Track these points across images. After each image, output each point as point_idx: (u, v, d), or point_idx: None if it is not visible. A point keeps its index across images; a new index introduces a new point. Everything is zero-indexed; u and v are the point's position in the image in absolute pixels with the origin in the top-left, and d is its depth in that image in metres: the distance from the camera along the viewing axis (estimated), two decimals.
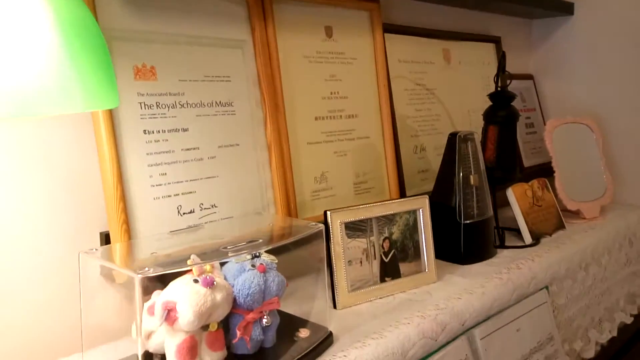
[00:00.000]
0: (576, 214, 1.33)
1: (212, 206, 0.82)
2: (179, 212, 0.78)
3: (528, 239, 1.16)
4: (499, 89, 1.16)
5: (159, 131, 0.77)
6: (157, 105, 0.77)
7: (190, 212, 0.79)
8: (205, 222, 0.79)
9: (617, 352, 1.23)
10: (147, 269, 0.54)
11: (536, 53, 1.65)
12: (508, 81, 1.16)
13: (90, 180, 0.74)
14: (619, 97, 1.47)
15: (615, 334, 1.23)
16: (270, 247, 0.66)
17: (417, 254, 0.94)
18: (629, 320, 1.29)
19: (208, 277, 0.61)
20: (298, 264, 0.83)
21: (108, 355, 0.67)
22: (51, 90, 0.42)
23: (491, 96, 1.16)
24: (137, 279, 0.53)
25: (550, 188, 1.28)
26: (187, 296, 0.59)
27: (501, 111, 1.15)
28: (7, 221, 0.69)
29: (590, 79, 1.52)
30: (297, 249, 0.77)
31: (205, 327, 0.63)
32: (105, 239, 0.74)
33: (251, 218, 0.84)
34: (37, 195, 0.71)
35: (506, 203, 1.20)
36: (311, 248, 0.83)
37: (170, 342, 0.60)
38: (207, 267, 0.63)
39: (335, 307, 0.84)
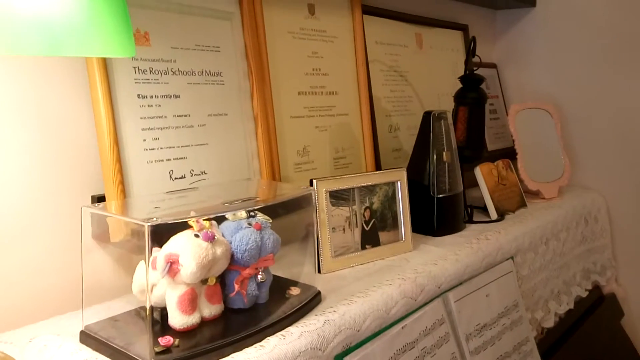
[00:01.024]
0: (536, 194, 1.42)
1: (202, 172, 0.84)
2: (170, 176, 0.80)
3: (494, 214, 1.22)
4: (468, 72, 1.22)
5: (152, 96, 0.78)
6: (150, 71, 0.78)
7: (182, 178, 0.81)
8: (199, 186, 0.81)
9: (574, 324, 1.32)
10: (155, 218, 0.56)
11: (500, 43, 1.73)
12: (476, 67, 1.23)
13: (85, 143, 0.75)
14: (577, 85, 1.56)
15: (572, 306, 1.32)
16: (266, 205, 0.69)
17: (395, 224, 0.98)
18: (584, 294, 1.38)
19: (209, 232, 0.64)
20: (285, 232, 0.85)
21: (105, 313, 0.68)
22: (75, 30, 0.43)
23: (462, 79, 1.22)
24: (147, 226, 0.55)
25: (513, 169, 1.36)
26: (190, 249, 0.61)
27: (471, 93, 1.21)
28: (2, 178, 0.69)
29: (550, 67, 1.61)
30: (285, 216, 0.80)
31: (204, 281, 0.65)
32: (98, 201, 0.75)
33: (242, 183, 0.87)
34: (33, 155, 0.71)
35: (473, 184, 1.27)
36: (297, 216, 0.87)
37: (172, 294, 0.63)
38: (207, 223, 0.65)
39: (319, 271, 0.88)
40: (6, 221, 0.70)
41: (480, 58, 1.24)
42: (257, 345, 0.62)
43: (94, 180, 0.75)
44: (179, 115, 0.81)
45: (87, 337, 0.63)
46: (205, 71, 0.86)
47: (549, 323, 1.22)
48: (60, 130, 0.73)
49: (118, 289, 0.75)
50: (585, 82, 1.54)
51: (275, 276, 0.76)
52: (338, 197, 0.91)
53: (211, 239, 0.63)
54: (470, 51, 1.23)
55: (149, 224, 0.55)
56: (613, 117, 1.51)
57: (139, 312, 0.69)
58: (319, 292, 0.76)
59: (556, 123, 1.49)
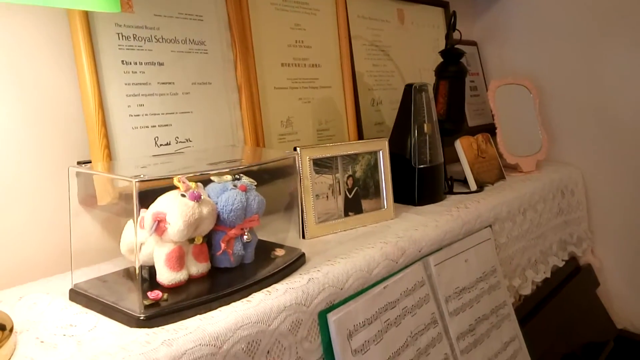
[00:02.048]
0: (515, 168, 1.45)
1: (187, 140, 0.85)
2: (156, 143, 0.81)
3: (473, 186, 1.25)
4: (449, 46, 1.24)
5: (136, 63, 0.79)
6: (134, 38, 0.79)
7: (167, 144, 0.82)
8: (184, 151, 0.82)
9: (550, 292, 1.36)
10: (142, 175, 0.58)
11: (480, 20, 1.76)
12: (457, 42, 1.25)
13: (70, 110, 0.75)
14: (556, 62, 1.59)
15: (548, 275, 1.36)
16: (251, 166, 0.70)
17: (377, 192, 1.01)
18: (560, 264, 1.43)
19: (195, 192, 0.65)
20: (269, 201, 0.87)
21: (93, 274, 0.69)
22: None
23: (442, 53, 1.25)
24: (135, 183, 0.56)
25: (492, 143, 1.39)
26: (177, 208, 0.63)
27: (452, 66, 1.23)
28: None
29: (530, 45, 1.64)
30: (269, 183, 0.82)
31: (191, 241, 0.67)
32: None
33: (227, 148, 0.88)
34: (18, 121, 0.71)
35: (453, 160, 1.29)
36: (281, 184, 0.89)
37: (160, 252, 0.64)
38: (192, 184, 0.67)
39: (303, 237, 0.90)
40: None
41: (460, 33, 1.27)
42: (243, 300, 0.64)
43: (80, 146, 0.76)
44: (163, 83, 0.82)
45: (77, 295, 0.65)
46: (189, 39, 0.86)
47: (526, 290, 1.26)
48: (45, 96, 0.74)
49: (105, 252, 0.76)
50: (563, 59, 1.58)
51: (260, 240, 0.78)
52: (322, 165, 0.93)
53: (197, 198, 0.65)
54: (450, 25, 1.25)
55: (137, 180, 0.56)
56: (591, 94, 1.55)
57: (127, 271, 0.70)
58: (303, 254, 0.78)
59: (534, 98, 1.53)
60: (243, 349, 0.60)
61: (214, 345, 0.57)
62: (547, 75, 1.61)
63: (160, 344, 0.54)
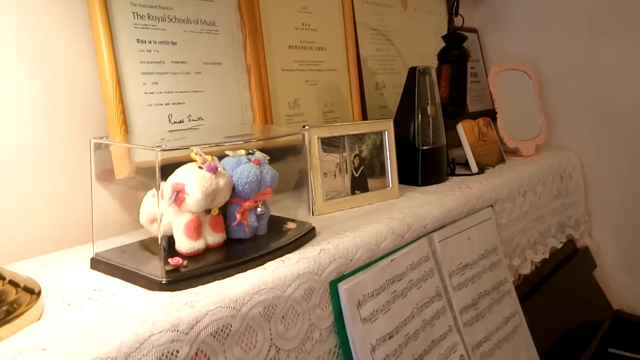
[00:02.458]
0: (514, 152, 1.48)
1: (199, 118, 0.87)
2: (170, 120, 0.83)
3: (474, 168, 1.28)
4: (452, 30, 1.27)
5: (150, 41, 0.81)
6: (148, 17, 0.81)
7: (180, 122, 0.84)
8: (197, 128, 0.85)
9: (549, 273, 1.40)
10: (164, 145, 0.60)
11: (481, 8, 1.78)
12: (459, 28, 1.27)
13: (88, 87, 0.77)
14: (556, 48, 1.61)
15: (547, 256, 1.39)
16: (265, 138, 0.73)
17: (382, 172, 1.03)
18: (559, 245, 1.46)
19: (212, 164, 0.67)
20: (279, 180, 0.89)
21: (113, 246, 0.72)
22: None
23: (445, 37, 1.27)
24: (157, 152, 0.59)
25: (493, 127, 1.42)
26: (195, 179, 0.65)
27: (454, 51, 1.25)
28: (10, 116, 0.71)
29: (530, 32, 1.66)
30: (279, 162, 0.84)
31: (207, 212, 0.69)
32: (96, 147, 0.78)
33: (239, 125, 0.91)
34: (38, 98, 0.74)
35: (455, 145, 1.31)
36: (291, 164, 0.91)
37: (178, 221, 0.67)
38: (209, 157, 0.69)
39: (312, 214, 0.92)
40: (12, 162, 0.72)
41: (463, 18, 1.29)
42: (259, 268, 0.67)
43: (98, 123, 0.78)
44: (176, 62, 0.84)
45: (98, 263, 0.67)
46: (201, 20, 0.88)
47: (526, 270, 1.29)
48: (63, 74, 0.76)
49: (123, 226, 0.79)
50: (563, 45, 1.60)
51: (271, 215, 0.80)
52: (329, 144, 0.95)
53: (214, 170, 0.67)
54: (453, 10, 1.27)
55: (160, 149, 0.59)
56: (589, 80, 1.57)
57: (145, 242, 0.73)
58: (314, 228, 0.81)
59: (534, 84, 1.55)
60: (260, 312, 0.63)
61: (233, 308, 0.60)
62: (547, 62, 1.63)
63: (183, 305, 0.57)
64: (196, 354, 0.56)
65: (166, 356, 0.53)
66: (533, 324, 1.14)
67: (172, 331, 0.54)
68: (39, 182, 0.75)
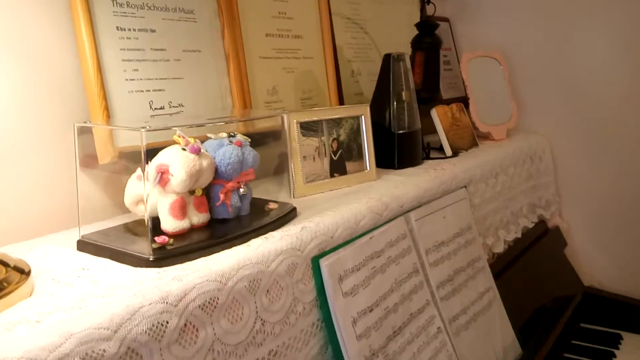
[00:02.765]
0: (487, 136, 1.53)
1: (180, 105, 0.89)
2: (151, 106, 0.84)
3: (449, 151, 1.32)
4: (424, 18, 1.30)
5: (130, 29, 0.82)
6: (127, 4, 0.82)
7: (161, 108, 0.86)
8: (180, 113, 0.86)
9: (521, 252, 1.45)
10: (148, 126, 0.62)
11: None
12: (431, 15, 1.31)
13: (69, 74, 0.78)
14: (524, 36, 1.66)
15: (519, 235, 1.44)
16: (247, 119, 0.75)
17: (360, 155, 1.07)
18: (530, 225, 1.51)
19: (195, 146, 0.69)
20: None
21: (97, 230, 0.73)
22: None
23: (418, 25, 1.31)
24: (142, 132, 0.61)
25: (465, 112, 1.46)
26: (179, 160, 0.67)
27: (427, 38, 1.29)
28: None
29: (500, 20, 1.71)
30: (259, 148, 0.86)
31: (191, 193, 0.71)
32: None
33: (219, 111, 0.93)
34: (18, 85, 0.74)
35: (430, 131, 1.35)
36: (271, 149, 0.94)
37: (163, 202, 0.69)
38: (192, 139, 0.71)
39: (293, 196, 0.95)
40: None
41: (435, 6, 1.32)
42: (243, 245, 0.69)
43: (80, 109, 0.79)
44: (156, 49, 0.86)
45: (85, 244, 0.69)
46: (179, 8, 0.90)
47: (499, 249, 1.34)
48: (44, 62, 0.77)
49: (107, 211, 0.80)
50: (532, 33, 1.65)
51: (253, 197, 0.83)
52: (308, 129, 0.98)
53: (197, 151, 0.69)
54: None
55: (144, 129, 0.61)
56: (558, 66, 1.62)
57: (129, 225, 0.75)
58: (295, 208, 0.84)
59: (504, 70, 1.60)
60: (246, 286, 0.65)
61: (220, 282, 0.62)
62: (516, 49, 1.68)
63: (171, 279, 0.59)
64: (185, 325, 0.58)
65: (156, 326, 0.55)
66: (507, 300, 1.19)
67: (162, 303, 0.56)
68: (21, 170, 0.76)
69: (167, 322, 0.56)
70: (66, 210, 0.79)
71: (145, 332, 0.54)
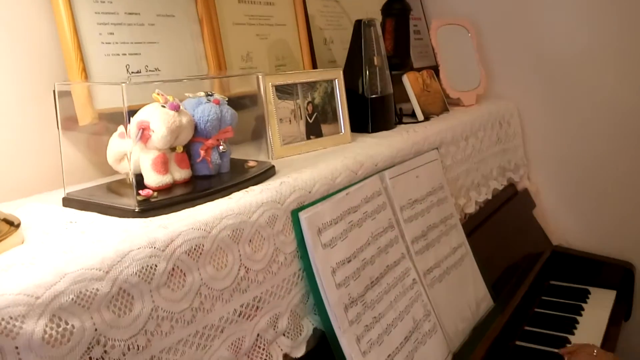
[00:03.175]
0: (457, 102, 1.57)
1: (156, 69, 0.90)
2: (127, 70, 0.86)
3: (420, 116, 1.36)
4: None
5: None
6: None
7: (138, 72, 0.87)
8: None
9: (492, 212, 1.51)
10: (128, 81, 0.64)
11: None
12: None
13: (46, 38, 0.79)
14: (491, 3, 1.70)
15: (490, 197, 1.50)
16: (224, 77, 0.78)
17: (334, 118, 1.10)
18: (500, 187, 1.57)
19: (174, 103, 0.72)
20: (236, 130, 0.93)
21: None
22: None
23: None
24: (123, 87, 0.62)
25: (436, 78, 1.50)
26: (159, 116, 0.69)
27: (396, 4, 1.33)
28: None
29: None
30: (237, 110, 0.88)
31: (172, 149, 0.74)
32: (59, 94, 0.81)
33: (195, 74, 0.94)
34: None
35: (402, 100, 1.38)
36: (247, 114, 0.96)
37: (146, 158, 0.71)
38: (170, 97, 0.73)
39: (271, 158, 0.98)
40: None
41: None
42: (225, 198, 0.72)
43: (58, 75, 0.80)
44: (130, 13, 0.87)
45: (70, 201, 0.70)
46: None
47: (470, 209, 1.39)
48: (21, 26, 0.77)
49: (87, 173, 0.82)
50: (499, 1, 1.69)
51: (233, 158, 0.85)
52: (283, 92, 1.00)
53: (177, 108, 0.71)
54: None
55: (125, 83, 0.62)
56: (523, 33, 1.67)
57: (111, 185, 0.77)
58: (274, 166, 0.87)
59: (472, 38, 1.64)
60: (229, 235, 0.68)
61: (204, 230, 0.65)
62: (484, 17, 1.72)
63: (157, 227, 0.62)
64: (173, 269, 0.61)
65: (146, 269, 0.58)
66: (479, 257, 1.24)
67: (149, 248, 0.58)
68: (2, 134, 0.77)
69: (156, 266, 0.59)
70: (47, 172, 0.80)
71: (136, 273, 0.56)
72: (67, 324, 0.50)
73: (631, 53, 1.52)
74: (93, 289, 0.52)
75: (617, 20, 1.52)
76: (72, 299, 0.51)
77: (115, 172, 0.78)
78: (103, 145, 0.76)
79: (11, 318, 0.46)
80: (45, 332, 0.48)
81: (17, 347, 0.47)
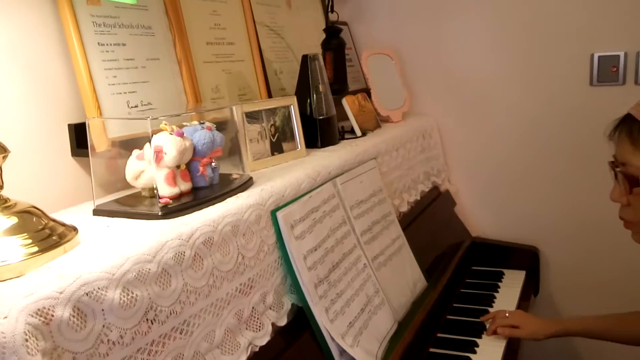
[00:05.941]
0: (387, 119, 1.85)
1: (149, 103, 1.10)
2: (128, 105, 1.05)
3: (358, 132, 1.62)
4: (330, 24, 1.59)
5: (107, 44, 1.02)
6: (103, 25, 1.02)
7: (136, 106, 1.06)
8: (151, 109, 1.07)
9: (421, 210, 1.79)
10: (150, 116, 0.84)
11: (348, 3, 2.13)
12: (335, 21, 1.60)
13: (64, 83, 0.97)
14: (411, 34, 2.01)
15: (418, 197, 1.78)
16: (209, 110, 0.99)
17: (292, 137, 1.33)
18: (426, 189, 1.86)
19: (179, 130, 0.92)
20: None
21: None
22: None
23: (325, 30, 1.59)
24: (149, 120, 0.82)
25: (369, 100, 1.77)
26: (170, 141, 0.90)
27: (334, 40, 1.59)
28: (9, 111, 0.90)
29: (390, 21, 2.04)
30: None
31: (177, 167, 0.94)
32: (74, 128, 0.99)
33: (178, 106, 1.15)
34: (22, 91, 0.92)
35: (341, 118, 1.64)
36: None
37: (159, 174, 0.90)
38: (174, 127, 0.93)
39: (245, 171, 1.19)
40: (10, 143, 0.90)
41: (337, 14, 1.61)
42: (222, 202, 0.93)
43: (73, 110, 0.99)
44: (127, 59, 1.06)
45: (100, 211, 0.89)
46: (140, 25, 1.10)
47: (404, 208, 1.66)
48: (43, 74, 0.95)
49: (103, 191, 1.00)
50: (417, 30, 1.98)
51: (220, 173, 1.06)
52: (252, 117, 1.22)
53: (181, 135, 0.92)
54: (328, 8, 1.60)
55: (150, 117, 0.83)
56: (438, 58, 1.98)
57: (129, 197, 0.95)
58: (252, 177, 1.08)
59: (396, 64, 1.94)
60: (230, 230, 0.89)
61: (213, 226, 0.86)
62: (405, 46, 2.02)
63: (180, 224, 0.82)
64: (194, 255, 0.81)
65: (178, 255, 0.78)
66: (413, 246, 1.51)
67: (179, 239, 0.79)
68: (27, 162, 0.94)
69: (184, 253, 0.79)
70: (66, 194, 0.97)
71: (172, 258, 0.77)
72: (132, 293, 0.69)
73: (530, 73, 1.86)
74: (147, 269, 0.72)
75: (519, 46, 1.85)
76: (135, 275, 0.70)
77: (123, 189, 0.97)
78: (115, 167, 0.95)
79: (99, 289, 0.65)
80: (120, 298, 0.68)
81: (103, 310, 0.66)
